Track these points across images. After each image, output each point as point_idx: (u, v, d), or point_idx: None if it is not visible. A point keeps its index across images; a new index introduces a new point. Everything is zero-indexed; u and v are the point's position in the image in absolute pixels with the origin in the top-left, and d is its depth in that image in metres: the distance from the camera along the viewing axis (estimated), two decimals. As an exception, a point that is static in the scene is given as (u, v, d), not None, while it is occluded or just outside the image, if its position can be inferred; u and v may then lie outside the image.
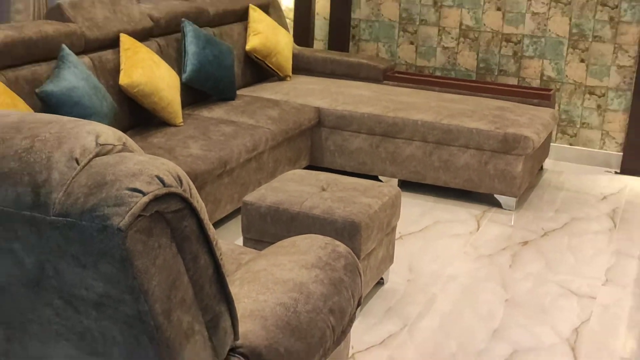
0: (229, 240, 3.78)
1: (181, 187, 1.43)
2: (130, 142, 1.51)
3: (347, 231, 2.97)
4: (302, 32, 6.03)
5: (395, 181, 4.69)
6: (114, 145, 1.45)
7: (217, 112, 4.46)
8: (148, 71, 3.99)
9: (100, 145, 1.43)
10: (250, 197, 3.15)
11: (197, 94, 4.64)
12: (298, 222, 3.04)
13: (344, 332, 1.99)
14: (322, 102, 4.82)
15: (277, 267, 1.92)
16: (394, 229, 3.37)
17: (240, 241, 3.56)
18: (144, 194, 1.35)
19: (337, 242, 2.07)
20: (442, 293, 3.37)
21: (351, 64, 5.49)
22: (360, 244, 2.97)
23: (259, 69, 5.33)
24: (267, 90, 5.04)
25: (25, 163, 1.39)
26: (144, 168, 1.39)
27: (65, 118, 1.51)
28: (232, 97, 4.73)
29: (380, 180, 4.72)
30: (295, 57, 5.57)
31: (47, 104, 3.41)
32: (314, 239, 2.06)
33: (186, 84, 4.48)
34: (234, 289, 1.84)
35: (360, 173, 4.78)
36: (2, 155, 1.41)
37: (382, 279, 3.42)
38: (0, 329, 1.61)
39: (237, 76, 5.04)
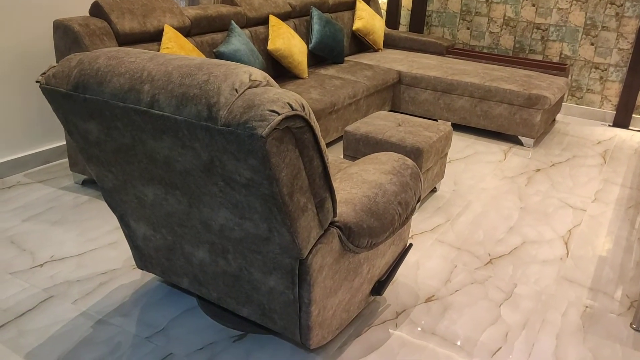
0: (334, 156, 3.78)
1: (304, 111, 1.41)
2: (271, 80, 1.49)
3: (413, 154, 2.90)
4: (392, 18, 5.81)
5: (448, 124, 4.53)
6: (261, 81, 1.44)
7: (331, 71, 4.39)
8: (286, 41, 3.95)
9: (252, 80, 1.42)
10: (349, 128, 3.11)
11: (318, 58, 4.57)
12: (380, 146, 2.99)
13: (407, 218, 1.96)
14: (402, 67, 4.67)
15: (364, 172, 1.89)
16: (446, 154, 3.27)
17: (341, 157, 3.55)
18: (279, 114, 1.34)
19: (406, 158, 2.02)
20: (476, 200, 3.27)
21: (424, 42, 5.27)
22: (422, 163, 2.90)
23: (361, 43, 5.19)
24: (365, 58, 4.91)
25: (203, 90, 1.41)
26: (280, 97, 1.38)
27: (231, 63, 1.51)
28: (341, 61, 4.63)
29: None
30: (385, 36, 5.40)
31: (220, 59, 3.43)
32: (390, 155, 2.02)
33: (311, 51, 4.42)
34: (335, 184, 1.84)
35: (425, 116, 4.65)
36: (189, 84, 1.43)
37: (435, 188, 3.35)
38: (186, 197, 1.67)
39: (346, 47, 4.94)
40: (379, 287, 2.04)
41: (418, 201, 2.02)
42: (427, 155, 2.92)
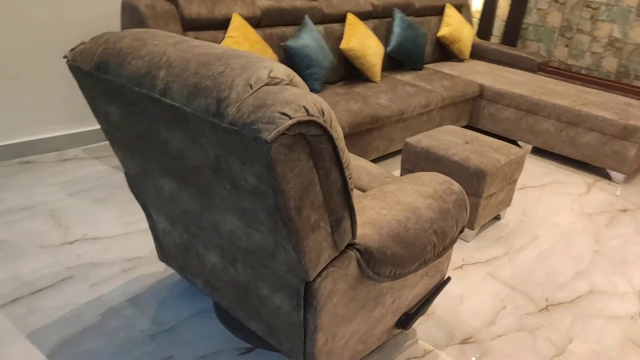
0: (393, 168, 3.57)
1: (322, 117, 1.24)
2: (297, 79, 1.34)
3: (476, 176, 2.65)
4: (484, 28, 5.49)
5: (529, 147, 4.18)
6: (282, 79, 1.29)
7: (406, 77, 4.17)
8: (361, 41, 3.78)
9: (271, 77, 1.27)
10: (410, 140, 2.90)
11: (395, 62, 4.36)
12: (441, 163, 2.76)
13: (445, 250, 1.74)
14: (486, 80, 4.36)
15: (401, 192, 1.70)
16: (515, 180, 2.98)
17: (399, 170, 3.34)
18: (290, 117, 1.18)
19: (453, 182, 1.80)
20: (544, 235, 2.96)
21: (514, 56, 4.92)
22: (484, 186, 2.64)
23: (445, 51, 4.92)
24: (446, 67, 4.65)
25: (216, 83, 1.28)
26: (295, 99, 1.22)
27: (254, 55, 1.37)
28: (420, 68, 4.40)
29: (519, 144, 4.25)
30: (474, 46, 5.09)
31: (287, 53, 3.33)
32: (436, 176, 1.80)
33: (389, 54, 4.22)
34: (365, 201, 1.66)
35: (503, 136, 4.33)
36: (203, 75, 1.31)
37: (499, 215, 3.07)
38: (198, 196, 1.55)
39: (427, 54, 4.69)
40: (406, 320, 1.84)
41: (461, 232, 1.80)
42: (492, 179, 2.66)
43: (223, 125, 1.23)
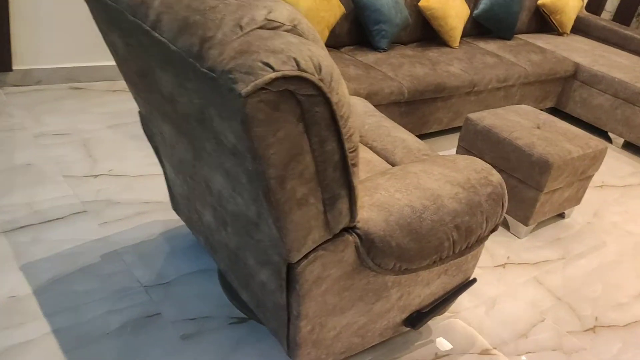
0: (452, 145, 3.27)
1: (318, 75, 1.03)
2: (303, 27, 1.12)
3: (538, 166, 2.33)
4: (596, 1, 4.90)
5: (620, 140, 3.72)
6: (282, 24, 1.08)
7: (490, 46, 3.78)
8: (444, 0, 3.44)
9: (268, 19, 1.07)
10: (472, 115, 2.60)
11: (481, 28, 3.97)
12: (501, 146, 2.45)
13: (470, 248, 1.50)
14: (583, 59, 3.89)
15: (426, 174, 1.46)
16: (590, 177, 2.62)
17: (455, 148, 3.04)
18: (274, 69, 0.98)
19: (493, 172, 1.53)
20: (612, 243, 2.60)
21: (625, 36, 4.35)
22: (546, 180, 2.32)
23: (544, 22, 4.44)
24: (541, 40, 4.19)
25: (205, 19, 1.09)
26: (287, 48, 1.02)
27: (261, -8, 1.17)
28: (508, 37, 3.98)
29: (609, 137, 3.80)
30: (578, 19, 4.56)
31: (356, 5, 3.07)
32: (473, 162, 1.54)
33: (475, 18, 3.84)
34: (380, 179, 1.44)
35: (593, 125, 3.88)
36: (195, 8, 1.12)
37: (563, 213, 2.73)
38: (190, 147, 1.40)
39: (521, 22, 4.24)
40: (416, 319, 1.63)
41: (494, 230, 1.55)
42: (557, 172, 2.33)
43: (201, 69, 1.05)
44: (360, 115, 2.06)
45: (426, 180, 1.43)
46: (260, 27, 1.07)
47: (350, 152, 1.17)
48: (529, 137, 2.43)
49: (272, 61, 0.99)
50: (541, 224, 2.64)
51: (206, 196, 1.50)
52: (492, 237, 2.47)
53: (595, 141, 2.54)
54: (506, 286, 2.17)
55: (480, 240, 1.52)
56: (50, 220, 2.01)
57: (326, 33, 2.88)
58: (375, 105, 2.77)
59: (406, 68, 2.99)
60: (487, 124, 2.52)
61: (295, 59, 1.01)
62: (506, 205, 1.53)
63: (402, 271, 1.40)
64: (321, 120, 1.09)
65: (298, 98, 1.05)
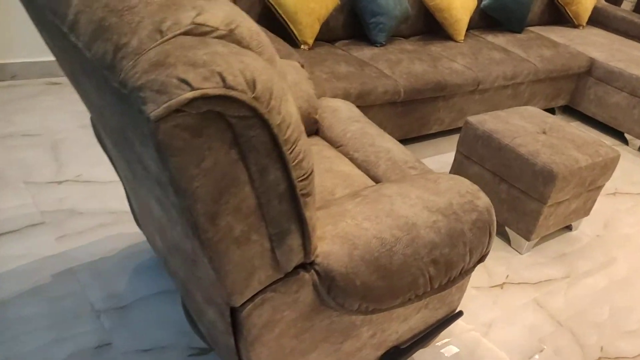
0: (453, 145, 3.06)
1: (252, 93, 0.85)
2: (244, 31, 0.93)
3: (542, 177, 2.13)
4: (613, -9, 4.62)
5: (638, 142, 3.48)
6: (215, 28, 0.90)
7: (499, 39, 3.55)
8: (447, -10, 3.22)
9: (195, 24, 0.88)
10: (472, 119, 2.39)
11: (489, 20, 3.74)
12: (502, 153, 2.25)
13: (452, 282, 1.32)
14: (599, 54, 3.65)
15: (401, 198, 1.27)
16: (599, 187, 2.41)
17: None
18: (192, 87, 0.80)
19: (481, 195, 1.34)
20: (624, 259, 2.39)
21: (645, 29, 4.10)
22: (550, 192, 2.12)
23: (558, 13, 4.19)
24: (554, 33, 3.94)
25: (121, 22, 0.91)
26: (211, 60, 0.83)
27: (193, -11, 0.98)
28: (518, 30, 3.75)
29: (625, 138, 3.56)
30: (596, 10, 4.30)
31: (350, -4, 2.87)
32: (458, 183, 1.35)
33: (483, 9, 3.61)
34: (349, 204, 1.25)
35: (609, 125, 3.64)
36: (112, 8, 0.94)
37: (570, 226, 2.52)
38: (126, 163, 1.22)
39: (534, 14, 4.00)
40: (393, 356, 1.45)
41: (480, 261, 1.36)
42: (563, 183, 2.12)
43: (114, 84, 0.87)
44: (343, 121, 1.87)
45: (401, 206, 1.24)
46: (185, 33, 0.88)
47: (301, 181, 0.99)
48: (532, 144, 2.22)
49: (190, 77, 0.80)
50: (545, 237, 2.44)
51: (151, 219, 1.33)
52: (490, 252, 2.28)
53: (606, 149, 2.32)
54: (503, 309, 1.97)
55: (465, 274, 1.33)
56: (3, 234, 1.86)
57: (317, 26, 2.68)
58: (368, 106, 2.57)
59: (404, 65, 2.78)
60: (487, 129, 2.32)
61: (220, 74, 0.82)
62: (494, 234, 1.33)
63: (371, 311, 1.22)
64: (259, 145, 0.91)
65: (229, 121, 0.86)
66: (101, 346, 1.53)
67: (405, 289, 1.21)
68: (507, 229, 2.33)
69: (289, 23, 2.61)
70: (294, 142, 0.95)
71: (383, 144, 1.75)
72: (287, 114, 0.93)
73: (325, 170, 1.63)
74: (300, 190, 1.00)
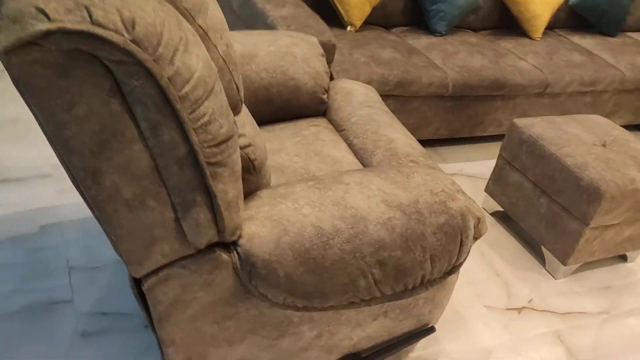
0: (495, 152, 2.79)
1: (129, 35, 0.75)
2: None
3: (586, 194, 1.86)
4: None
5: None
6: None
7: (586, 42, 3.20)
8: (528, -18, 2.93)
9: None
10: (520, 121, 2.15)
11: (578, 19, 3.37)
12: (546, 162, 2.00)
13: (411, 291, 1.15)
14: None
15: (359, 188, 1.12)
16: (665, 216, 2.08)
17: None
18: (49, 19, 0.72)
19: (458, 197, 1.15)
20: (685, 303, 2.06)
21: None
22: (593, 212, 1.85)
23: (667, 20, 3.72)
24: (657, 41, 3.50)
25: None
26: (85, -8, 0.74)
27: None
28: (612, 33, 3.36)
29: None
30: None
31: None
32: (435, 180, 1.17)
33: (572, 7, 3.26)
34: (298, 186, 1.13)
35: None
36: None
37: (625, 256, 2.20)
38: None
39: (635, 18, 3.57)
40: (348, 365, 1.31)
41: (450, 273, 1.17)
42: (611, 204, 1.85)
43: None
44: (354, 105, 1.73)
45: (355, 196, 1.10)
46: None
47: (208, 148, 0.88)
48: (583, 156, 1.95)
49: (50, 8, 0.72)
50: (591, 265, 2.15)
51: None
52: (516, 270, 2.04)
53: (678, 171, 1.99)
54: (513, 337, 1.75)
55: (429, 284, 1.16)
56: (9, 180, 1.90)
57: (367, 9, 2.53)
58: (410, 97, 2.39)
59: (460, 57, 2.57)
60: (534, 133, 2.07)
61: (87, 8, 0.73)
62: (468, 244, 1.15)
63: (302, 309, 1.09)
64: (146, 98, 0.81)
65: (107, 65, 0.77)
66: (60, 302, 1.51)
67: (340, 289, 1.06)
68: (543, 248, 2.07)
69: (335, 2, 2.48)
70: (195, 102, 0.84)
71: (388, 133, 1.59)
72: (185, 67, 0.82)
73: (314, 153, 1.50)
74: (207, 158, 0.89)
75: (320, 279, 1.04)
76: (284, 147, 1.52)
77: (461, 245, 1.13)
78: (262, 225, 1.03)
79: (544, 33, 3.18)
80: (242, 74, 1.59)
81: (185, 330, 1.08)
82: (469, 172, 2.59)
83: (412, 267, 1.10)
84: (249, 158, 1.07)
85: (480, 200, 2.41)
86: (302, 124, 1.65)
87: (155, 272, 0.99)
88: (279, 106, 1.65)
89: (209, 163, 0.89)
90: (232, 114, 0.93)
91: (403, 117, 2.45)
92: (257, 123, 1.67)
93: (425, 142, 2.76)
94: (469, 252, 1.17)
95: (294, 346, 1.22)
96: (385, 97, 2.35)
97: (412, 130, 2.53)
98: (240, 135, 1.06)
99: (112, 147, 0.83)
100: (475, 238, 1.35)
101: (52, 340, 1.42)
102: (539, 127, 2.11)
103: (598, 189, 1.83)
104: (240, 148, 1.05)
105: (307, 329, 1.19)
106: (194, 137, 0.86)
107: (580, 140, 2.06)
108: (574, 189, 1.90)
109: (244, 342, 1.16)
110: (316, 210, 1.06)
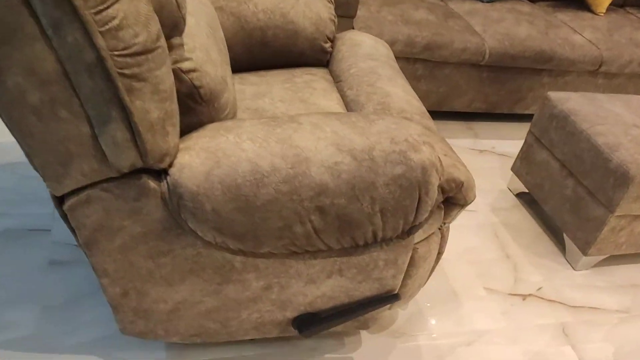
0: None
1: None
2: None
3: (614, 177, 1.67)
4: None
5: None
6: None
7: (659, 21, 2.90)
8: (595, -51, 2.67)
9: None
10: (554, 94, 1.95)
11: (656, -2, 3.07)
12: (576, 140, 1.81)
13: (364, 247, 1.05)
14: None
15: (311, 128, 1.02)
16: None
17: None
18: None
19: (423, 149, 1.02)
20: None
21: None
22: (620, 198, 1.65)
23: None
24: None
25: None
26: None
27: None
28: (692, 15, 3.02)
29: None
30: None
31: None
32: (400, 129, 1.05)
33: (648, -17, 2.97)
34: (248, 122, 1.05)
35: None
36: None
37: (662, 254, 1.98)
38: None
39: None
40: (303, 322, 1.23)
41: (409, 233, 1.06)
42: (638, 192, 1.65)
43: None
44: (357, 57, 1.61)
45: (304, 136, 1.00)
46: None
47: (119, 56, 0.81)
48: (617, 136, 1.74)
49: None
50: (619, 260, 1.94)
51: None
52: (531, 255, 1.87)
53: None
54: (510, 324, 1.60)
55: (384, 242, 1.06)
56: None
57: (406, -35, 2.38)
58: (440, 63, 2.24)
59: (505, 25, 2.37)
60: (567, 108, 1.88)
61: None
62: (428, 202, 1.03)
63: (237, 252, 1.01)
64: (44, -9, 0.75)
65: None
66: (37, 230, 1.52)
67: (274, 233, 0.97)
68: (564, 235, 1.89)
69: (373, -44, 2.35)
70: (102, 2, 0.77)
71: (385, 87, 1.47)
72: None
73: (300, 101, 1.41)
74: (121, 69, 0.82)
75: (252, 219, 0.96)
76: (271, 91, 1.44)
77: (419, 202, 1.02)
78: (196, 155, 0.96)
79: (610, 9, 2.90)
80: (238, 13, 1.52)
81: (117, 262, 1.04)
82: (501, 150, 2.41)
83: (360, 220, 1.00)
84: (193, 84, 0.99)
85: (506, 180, 2.23)
86: (298, 72, 1.56)
87: (76, 192, 0.94)
88: (275, 51, 1.57)
89: (122, 74, 0.82)
90: (157, 25, 0.85)
91: (432, 84, 2.30)
92: (251, 67, 1.59)
93: (458, 115, 2.59)
94: (431, 212, 1.05)
95: (241, 295, 1.15)
96: (413, 60, 2.21)
97: (442, 99, 2.37)
98: (185, 59, 0.99)
99: (11, 44, 0.78)
100: (462, 205, 1.23)
101: (19, 264, 1.42)
102: (575, 102, 1.91)
103: (627, 172, 1.63)
104: (183, 72, 0.98)
105: (252, 278, 1.12)
106: (101, 41, 0.79)
107: (619, 119, 1.85)
108: (601, 171, 1.71)
109: (184, 283, 1.11)
110: (257, 145, 0.98)
